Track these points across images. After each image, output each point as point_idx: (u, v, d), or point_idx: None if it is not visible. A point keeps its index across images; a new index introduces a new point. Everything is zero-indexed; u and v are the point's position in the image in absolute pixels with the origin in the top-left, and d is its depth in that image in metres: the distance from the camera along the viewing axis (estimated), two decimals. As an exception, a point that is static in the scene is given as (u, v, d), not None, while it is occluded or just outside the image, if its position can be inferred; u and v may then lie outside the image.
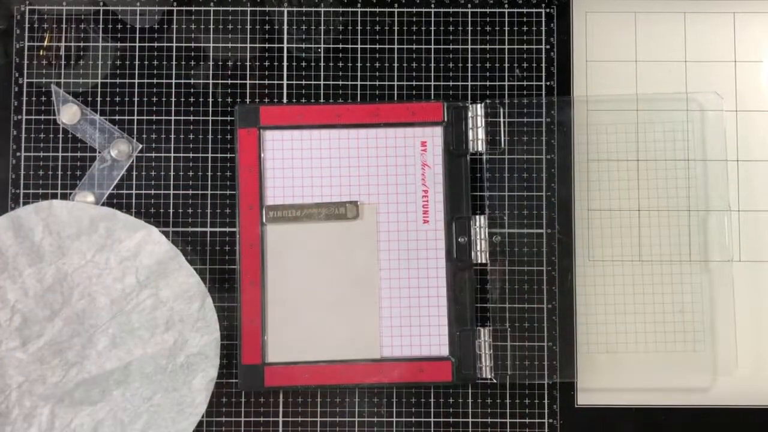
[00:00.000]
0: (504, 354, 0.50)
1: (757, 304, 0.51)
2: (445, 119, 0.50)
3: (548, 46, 0.52)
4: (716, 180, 0.50)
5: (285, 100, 0.52)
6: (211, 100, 0.52)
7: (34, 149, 0.51)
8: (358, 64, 0.52)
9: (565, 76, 0.52)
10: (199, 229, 0.51)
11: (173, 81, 0.52)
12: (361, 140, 0.51)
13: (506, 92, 0.52)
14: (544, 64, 0.52)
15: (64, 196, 0.51)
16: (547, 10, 0.52)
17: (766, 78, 0.52)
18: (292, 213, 0.50)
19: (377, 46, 0.52)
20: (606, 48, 0.53)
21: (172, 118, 0.52)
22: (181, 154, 0.51)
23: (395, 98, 0.52)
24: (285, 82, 0.52)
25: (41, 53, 0.52)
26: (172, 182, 0.51)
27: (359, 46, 0.52)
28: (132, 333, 0.49)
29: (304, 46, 0.52)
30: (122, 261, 0.49)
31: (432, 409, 0.50)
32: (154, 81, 0.52)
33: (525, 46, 0.52)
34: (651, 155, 0.51)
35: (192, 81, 0.52)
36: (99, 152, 0.51)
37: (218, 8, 0.52)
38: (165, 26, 0.52)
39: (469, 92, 0.52)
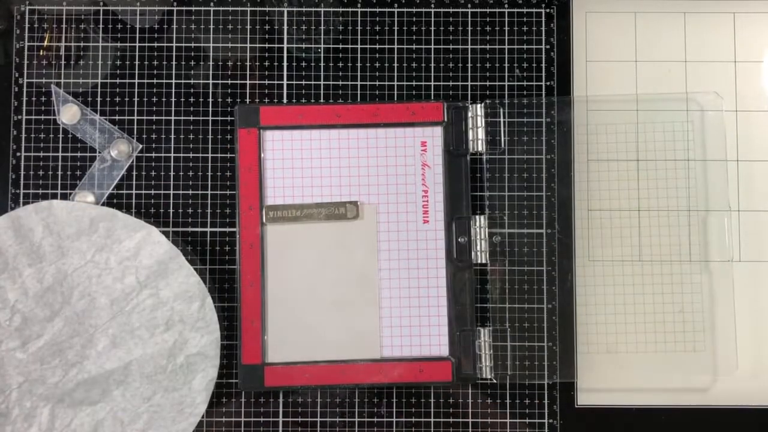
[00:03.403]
0: (504, 354, 0.50)
1: (757, 304, 0.51)
2: (445, 119, 0.50)
3: (548, 46, 0.52)
4: (716, 180, 0.50)
5: (285, 100, 0.52)
6: (211, 100, 0.52)
7: (34, 149, 0.51)
8: (358, 64, 0.52)
9: (565, 76, 0.52)
10: (199, 229, 0.51)
11: (173, 81, 0.52)
12: (361, 140, 0.50)
13: (506, 92, 0.52)
14: (544, 64, 0.52)
15: (64, 196, 0.51)
16: (547, 10, 0.52)
17: (766, 78, 0.52)
18: (292, 213, 0.50)
19: (377, 46, 0.52)
20: (606, 48, 0.53)
21: (172, 118, 0.52)
22: (181, 154, 0.51)
23: (395, 98, 0.52)
24: (285, 82, 0.52)
25: (41, 53, 0.52)
26: (172, 182, 0.51)
27: (359, 46, 0.52)
28: (132, 333, 0.49)
29: (304, 46, 0.52)
30: (122, 261, 0.49)
31: (432, 409, 0.50)
32: (154, 81, 0.52)
33: (525, 46, 0.52)
34: (651, 155, 0.51)
35: (192, 81, 0.52)
36: (99, 152, 0.51)
37: (218, 8, 0.52)
38: (165, 26, 0.52)
39: (469, 92, 0.52)
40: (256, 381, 0.49)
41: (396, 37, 0.52)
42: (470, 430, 0.50)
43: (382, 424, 0.50)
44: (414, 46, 0.52)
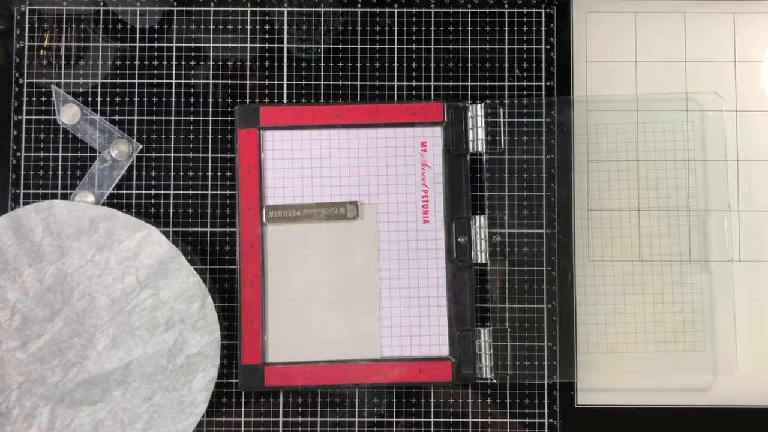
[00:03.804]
0: (504, 354, 0.50)
1: (757, 304, 0.51)
2: (445, 119, 0.50)
3: (548, 46, 0.52)
4: (716, 180, 0.50)
5: (285, 100, 0.52)
6: (211, 100, 0.52)
7: (34, 149, 0.51)
8: (358, 64, 0.52)
9: (565, 76, 0.52)
10: (199, 229, 0.51)
11: (173, 81, 0.52)
12: (361, 140, 0.51)
13: (506, 92, 0.52)
14: (544, 64, 0.52)
15: (64, 196, 0.51)
16: (547, 10, 0.52)
17: (766, 78, 0.52)
18: (292, 213, 0.50)
19: (377, 46, 0.52)
20: (606, 48, 0.53)
21: (172, 118, 0.52)
22: (181, 154, 0.51)
23: (395, 98, 0.52)
24: (285, 82, 0.52)
25: (41, 53, 0.52)
26: (172, 182, 0.51)
27: (359, 46, 0.52)
28: (132, 333, 0.49)
29: (304, 46, 0.52)
30: (122, 261, 0.49)
31: (432, 409, 0.50)
32: (154, 81, 0.52)
33: (525, 46, 0.52)
34: (651, 155, 0.51)
35: (192, 81, 0.52)
36: (99, 152, 0.51)
37: (218, 8, 0.52)
38: (165, 26, 0.52)
39: (469, 92, 0.52)
40: (256, 381, 0.49)
41: (396, 37, 0.52)
42: (470, 430, 0.50)
43: (382, 424, 0.50)
44: (414, 46, 0.52)
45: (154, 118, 0.52)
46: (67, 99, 0.51)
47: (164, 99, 0.52)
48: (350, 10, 0.52)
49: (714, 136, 0.51)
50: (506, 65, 0.52)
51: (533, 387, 0.50)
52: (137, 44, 0.52)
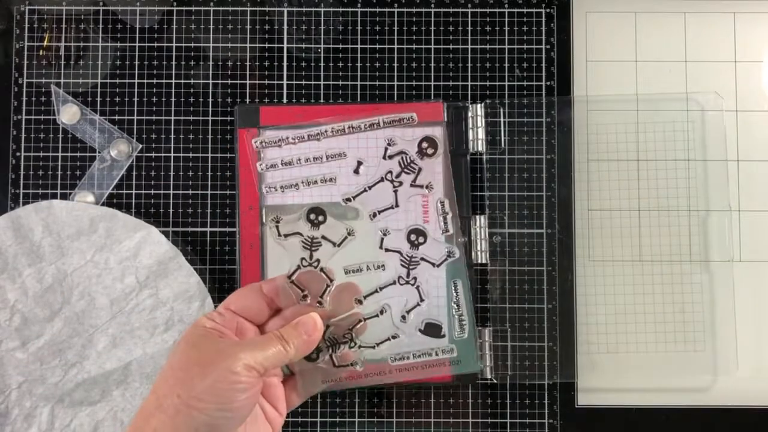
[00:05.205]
0: (504, 354, 0.50)
1: (758, 304, 0.51)
2: (445, 119, 0.50)
3: (548, 46, 0.52)
4: (716, 180, 0.50)
5: (285, 100, 0.52)
6: (211, 100, 0.52)
7: (34, 149, 0.51)
8: (358, 64, 0.52)
9: (565, 76, 0.52)
10: (199, 229, 0.51)
11: (173, 81, 0.52)
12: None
13: (506, 92, 0.52)
14: (544, 64, 0.52)
15: (64, 196, 0.51)
16: (547, 10, 0.52)
17: (766, 78, 0.52)
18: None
19: (377, 46, 0.52)
20: (606, 48, 0.53)
21: (172, 118, 0.52)
22: (181, 154, 0.51)
23: (395, 98, 0.52)
24: (285, 82, 0.52)
25: (41, 53, 0.52)
26: (172, 182, 0.51)
27: (359, 46, 0.52)
28: (132, 333, 0.49)
29: (304, 46, 0.52)
30: (122, 261, 0.49)
31: (432, 409, 0.50)
32: (154, 81, 0.52)
33: (525, 46, 0.52)
34: (651, 155, 0.51)
35: (192, 81, 0.52)
36: (99, 152, 0.51)
37: (218, 8, 0.52)
38: (165, 26, 0.52)
39: (469, 92, 0.52)
40: (256, 381, 0.49)
41: (396, 37, 0.52)
42: (470, 430, 0.50)
43: (382, 424, 0.50)
44: (414, 46, 0.52)
45: (154, 118, 0.52)
46: (66, 99, 0.51)
47: (164, 99, 0.52)
48: (350, 10, 0.52)
49: (714, 136, 0.51)
50: (506, 65, 0.52)
51: (533, 387, 0.50)
52: (137, 44, 0.52)
